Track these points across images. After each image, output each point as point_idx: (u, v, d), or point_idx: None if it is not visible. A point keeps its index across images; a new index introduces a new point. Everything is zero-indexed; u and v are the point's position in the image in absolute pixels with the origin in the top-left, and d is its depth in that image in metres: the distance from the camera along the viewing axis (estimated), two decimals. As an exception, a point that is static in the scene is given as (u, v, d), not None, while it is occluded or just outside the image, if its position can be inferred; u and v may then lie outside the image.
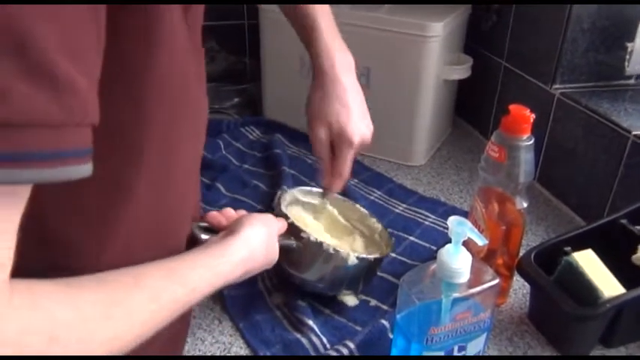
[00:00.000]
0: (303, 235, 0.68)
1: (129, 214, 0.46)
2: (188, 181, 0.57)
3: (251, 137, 1.17)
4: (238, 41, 1.34)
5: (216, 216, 0.63)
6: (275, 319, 0.72)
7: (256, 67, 1.21)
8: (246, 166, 1.07)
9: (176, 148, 0.49)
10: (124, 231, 0.47)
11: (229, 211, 0.65)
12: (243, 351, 0.68)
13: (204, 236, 0.60)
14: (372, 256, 0.71)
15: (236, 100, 1.23)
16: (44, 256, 0.43)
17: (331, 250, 0.68)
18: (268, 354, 0.67)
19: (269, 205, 0.93)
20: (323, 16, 0.73)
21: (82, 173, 0.34)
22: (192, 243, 0.59)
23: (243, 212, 0.66)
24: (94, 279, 0.41)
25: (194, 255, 0.53)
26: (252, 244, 0.58)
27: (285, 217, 0.69)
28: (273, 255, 0.63)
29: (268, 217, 0.64)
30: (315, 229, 0.78)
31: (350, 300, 0.74)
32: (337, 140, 0.73)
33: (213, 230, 0.62)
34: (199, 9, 0.50)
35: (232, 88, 1.23)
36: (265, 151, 1.11)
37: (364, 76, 1.04)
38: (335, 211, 0.81)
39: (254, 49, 1.28)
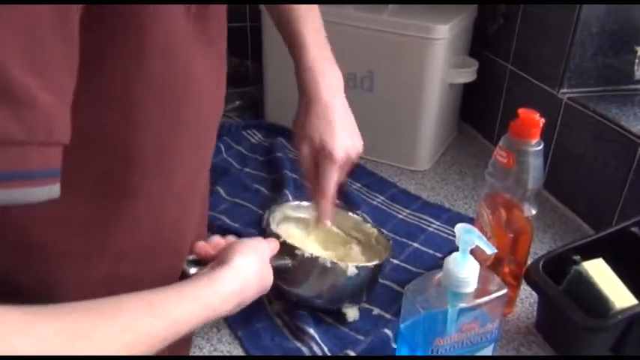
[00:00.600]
0: (297, 252, 0.65)
1: (120, 229, 0.44)
2: (191, 195, 0.54)
3: (252, 140, 1.15)
4: (240, 44, 1.33)
5: (203, 246, 0.60)
6: (275, 327, 0.70)
7: (258, 69, 1.20)
8: (247, 169, 1.05)
9: (177, 157, 0.47)
10: (114, 247, 0.45)
11: (217, 240, 0.62)
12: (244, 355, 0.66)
13: (192, 270, 0.58)
14: (371, 264, 0.69)
15: (238, 102, 1.22)
16: (28, 269, 0.41)
17: (328, 264, 0.65)
18: (268, 363, 0.65)
19: (269, 208, 0.91)
20: (309, 29, 0.71)
21: (50, 194, 0.32)
22: (182, 278, 0.56)
23: (231, 239, 0.63)
24: (66, 307, 0.39)
25: (180, 287, 0.50)
26: (243, 275, 0.55)
27: (277, 236, 0.67)
28: (267, 281, 0.60)
29: (258, 243, 0.61)
30: (309, 244, 0.75)
31: (350, 313, 0.71)
32: (319, 156, 0.71)
33: (202, 262, 0.59)
34: (210, 11, 0.48)
35: (234, 91, 1.21)
36: (267, 155, 1.09)
37: (368, 80, 1.02)
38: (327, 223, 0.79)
39: (256, 51, 1.26)
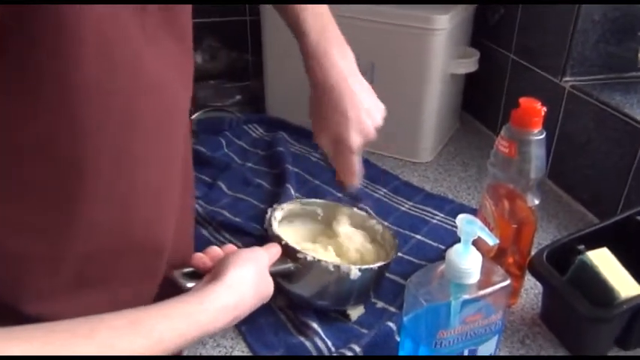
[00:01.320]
0: (299, 255, 0.65)
1: (80, 232, 0.43)
2: (165, 191, 0.52)
3: (254, 135, 1.15)
4: (240, 38, 1.32)
5: (201, 258, 0.59)
6: (278, 322, 0.70)
7: (258, 63, 1.19)
8: (249, 164, 1.05)
9: (137, 153, 0.45)
10: (76, 250, 0.44)
11: (214, 250, 0.60)
12: (246, 355, 0.66)
13: (189, 284, 0.56)
14: (375, 266, 0.68)
15: (238, 97, 1.21)
16: None
17: (331, 268, 0.65)
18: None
19: (272, 204, 0.91)
20: (310, 14, 0.69)
21: None
22: (178, 292, 0.55)
23: (229, 248, 0.61)
24: (42, 329, 0.38)
25: (168, 304, 0.49)
26: (239, 289, 0.54)
27: (279, 238, 0.67)
28: (266, 292, 0.59)
29: (256, 253, 0.60)
30: (313, 244, 0.75)
31: (354, 314, 0.71)
32: (338, 148, 0.71)
33: (199, 274, 0.57)
34: (170, 9, 0.47)
35: (234, 86, 1.21)
36: (268, 149, 1.08)
37: (368, 72, 1.01)
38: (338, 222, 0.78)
39: (256, 45, 1.26)
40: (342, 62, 0.69)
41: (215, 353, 0.65)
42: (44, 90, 0.37)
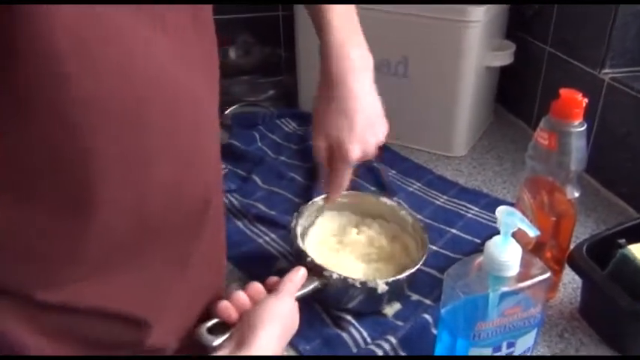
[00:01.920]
0: (325, 273, 0.66)
1: (96, 235, 0.42)
2: (184, 191, 0.49)
3: (287, 129, 1.15)
4: (273, 33, 1.33)
5: (226, 309, 0.56)
6: (314, 313, 0.70)
7: (291, 58, 1.20)
8: (282, 158, 1.06)
9: (151, 158, 0.43)
10: (94, 248, 0.43)
11: (240, 298, 0.58)
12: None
13: (215, 342, 0.54)
14: (402, 276, 0.68)
15: (271, 92, 1.22)
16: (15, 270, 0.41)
17: (358, 284, 0.65)
18: (307, 348, 0.66)
19: (305, 197, 0.91)
20: (334, 11, 0.67)
21: None
22: (201, 348, 0.55)
23: (255, 291, 0.59)
24: None
25: None
26: (266, 351, 0.53)
27: (304, 254, 0.68)
28: (292, 331, 0.59)
29: (281, 305, 0.57)
30: (342, 252, 0.76)
31: (390, 312, 0.71)
32: (335, 154, 0.69)
33: (225, 326, 0.56)
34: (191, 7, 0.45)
35: (267, 80, 1.22)
36: (301, 143, 1.09)
37: (402, 65, 1.01)
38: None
39: (288, 40, 1.26)
40: (361, 68, 0.68)
41: (252, 343, 0.66)
42: (34, 101, 0.36)
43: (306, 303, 0.70)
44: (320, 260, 0.68)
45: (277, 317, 0.56)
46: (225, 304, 0.57)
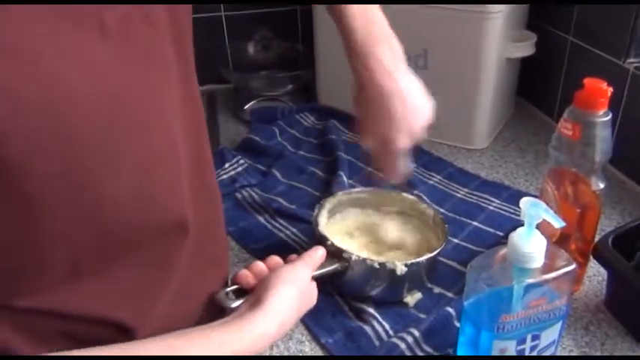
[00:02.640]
0: (344, 255, 0.66)
1: (59, 246, 0.42)
2: (148, 198, 0.46)
3: (306, 124, 1.16)
4: (291, 28, 1.33)
5: (245, 276, 0.60)
6: (336, 305, 0.71)
7: (309, 53, 1.20)
8: (301, 152, 1.06)
9: (91, 170, 0.41)
10: (60, 258, 0.43)
11: (258, 266, 0.61)
12: (305, 337, 0.67)
13: (233, 304, 0.57)
14: (422, 258, 0.68)
15: (290, 87, 1.22)
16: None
17: (376, 265, 0.66)
18: (330, 341, 0.66)
19: (325, 191, 0.91)
20: (356, 9, 0.66)
21: None
22: (221, 311, 0.57)
23: (273, 262, 0.62)
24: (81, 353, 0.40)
25: (207, 331, 0.50)
26: (279, 315, 0.55)
27: (325, 238, 0.68)
28: (309, 304, 0.60)
29: (297, 271, 0.60)
30: (362, 239, 0.76)
31: (411, 301, 0.71)
32: (384, 149, 0.69)
33: (244, 292, 0.59)
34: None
35: (286, 75, 1.21)
36: (321, 138, 1.09)
37: (422, 58, 1.00)
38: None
39: (306, 35, 1.26)
40: (388, 60, 0.66)
41: (275, 336, 0.67)
42: None
43: (328, 295, 0.71)
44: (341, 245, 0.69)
45: (291, 281, 0.58)
46: (244, 272, 0.60)
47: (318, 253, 0.65)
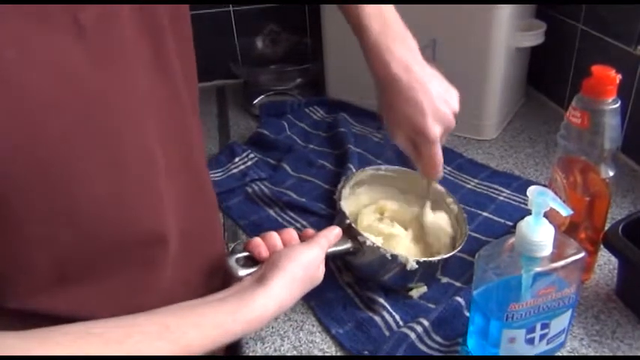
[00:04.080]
0: (359, 238, 0.66)
1: (40, 249, 0.43)
2: (127, 199, 0.46)
3: (315, 117, 1.16)
4: (299, 21, 1.33)
5: (258, 246, 0.60)
6: (346, 297, 0.71)
7: (318, 46, 1.20)
8: (311, 146, 1.06)
9: (70, 178, 0.41)
10: (42, 262, 0.44)
11: (272, 239, 0.61)
12: (315, 328, 0.67)
13: (241, 272, 0.57)
14: (435, 259, 0.68)
15: (299, 80, 1.22)
16: None
17: (388, 256, 0.66)
18: (340, 332, 0.66)
19: (335, 184, 0.92)
20: (370, 14, 0.66)
21: None
22: (229, 276, 0.57)
23: (287, 236, 0.62)
24: (73, 330, 0.41)
25: (204, 309, 0.50)
26: (281, 296, 0.55)
27: (344, 216, 0.68)
28: (314, 283, 0.60)
29: (310, 250, 0.60)
30: (380, 220, 0.76)
31: (415, 293, 0.71)
32: (417, 140, 0.68)
33: (255, 261, 0.59)
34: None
35: (295, 69, 1.22)
36: (330, 131, 1.09)
37: (430, 49, 1.00)
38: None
39: (314, 28, 1.26)
40: (403, 54, 0.66)
41: (286, 327, 0.68)
42: None
43: (340, 287, 0.72)
44: (359, 226, 0.69)
45: (301, 263, 0.58)
46: (257, 241, 0.60)
47: (334, 232, 0.65)
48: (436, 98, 0.66)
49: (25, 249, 0.42)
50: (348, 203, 0.75)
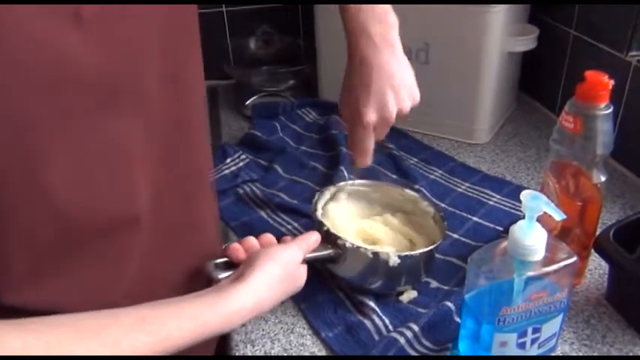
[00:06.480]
0: (339, 242, 0.66)
1: (13, 239, 0.43)
2: (99, 182, 0.46)
3: (307, 119, 1.15)
4: (292, 23, 1.33)
5: (235, 250, 0.60)
6: (337, 300, 0.71)
7: (311, 48, 1.20)
8: (303, 147, 1.06)
9: (42, 157, 0.42)
10: (17, 253, 0.44)
11: (250, 241, 0.62)
12: (306, 331, 0.67)
13: (220, 275, 0.58)
14: (417, 252, 0.68)
15: (291, 82, 1.22)
16: None
17: (370, 255, 0.65)
18: (330, 335, 0.66)
19: (327, 186, 0.91)
20: (367, 8, 0.66)
21: None
22: (209, 281, 0.57)
23: (266, 239, 0.63)
24: (48, 321, 0.41)
25: (181, 303, 0.50)
26: (259, 293, 0.55)
27: (321, 224, 0.68)
28: (295, 286, 0.60)
29: (287, 250, 0.60)
30: (359, 226, 0.76)
31: (405, 296, 0.71)
32: (353, 121, 0.68)
33: (233, 265, 0.59)
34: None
35: (287, 70, 1.21)
36: (322, 133, 1.09)
37: (423, 52, 1.00)
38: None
39: (308, 30, 1.26)
40: (378, 36, 0.65)
41: (277, 330, 0.67)
42: None
43: (330, 291, 0.71)
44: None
45: (278, 260, 0.58)
46: (235, 246, 0.61)
47: (312, 237, 0.65)
48: (388, 90, 0.65)
49: (7, 241, 0.43)
50: (325, 214, 0.75)
